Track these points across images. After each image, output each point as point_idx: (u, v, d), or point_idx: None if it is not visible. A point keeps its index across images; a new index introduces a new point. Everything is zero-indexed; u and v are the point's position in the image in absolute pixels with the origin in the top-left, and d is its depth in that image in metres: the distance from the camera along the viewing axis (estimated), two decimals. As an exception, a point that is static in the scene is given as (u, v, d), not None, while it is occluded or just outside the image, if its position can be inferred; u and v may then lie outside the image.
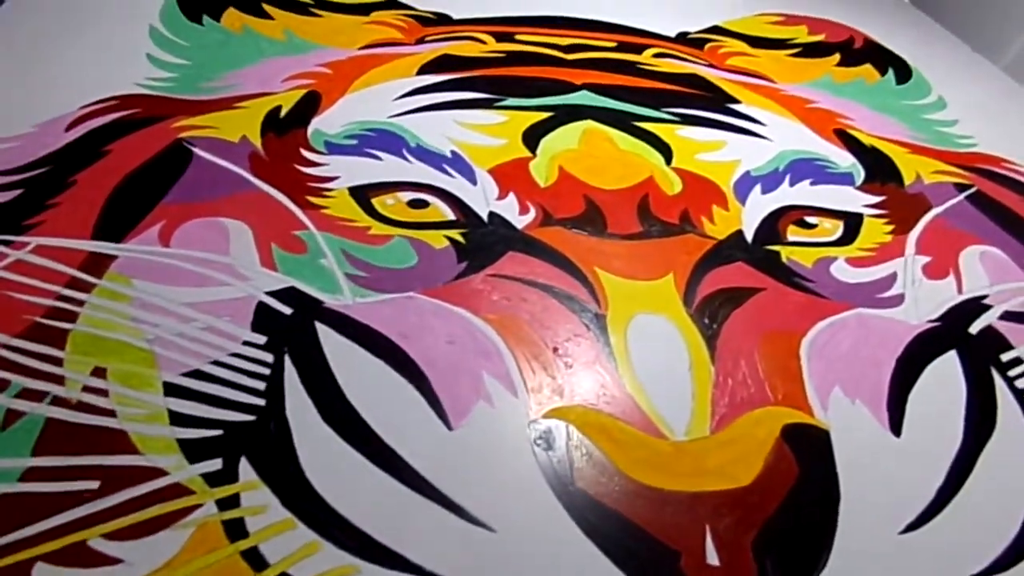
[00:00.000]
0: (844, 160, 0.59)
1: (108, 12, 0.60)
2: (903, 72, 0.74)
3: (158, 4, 0.63)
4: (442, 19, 0.70)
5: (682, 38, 0.74)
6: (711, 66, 0.70)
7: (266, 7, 0.66)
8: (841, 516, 0.34)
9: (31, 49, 0.54)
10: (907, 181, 0.58)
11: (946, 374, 0.41)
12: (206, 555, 0.29)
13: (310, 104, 0.55)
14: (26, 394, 0.33)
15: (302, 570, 0.29)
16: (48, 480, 0.30)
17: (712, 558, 0.31)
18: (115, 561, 0.28)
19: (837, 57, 0.75)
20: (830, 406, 0.38)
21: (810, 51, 0.76)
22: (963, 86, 0.72)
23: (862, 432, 0.37)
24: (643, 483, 0.34)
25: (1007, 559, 0.33)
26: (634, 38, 0.73)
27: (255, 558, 0.29)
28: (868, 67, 0.74)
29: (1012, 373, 0.42)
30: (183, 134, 0.50)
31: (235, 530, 0.30)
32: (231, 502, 0.31)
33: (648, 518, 0.32)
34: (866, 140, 0.62)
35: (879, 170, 0.58)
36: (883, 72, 0.74)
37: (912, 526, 0.34)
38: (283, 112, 0.54)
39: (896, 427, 0.38)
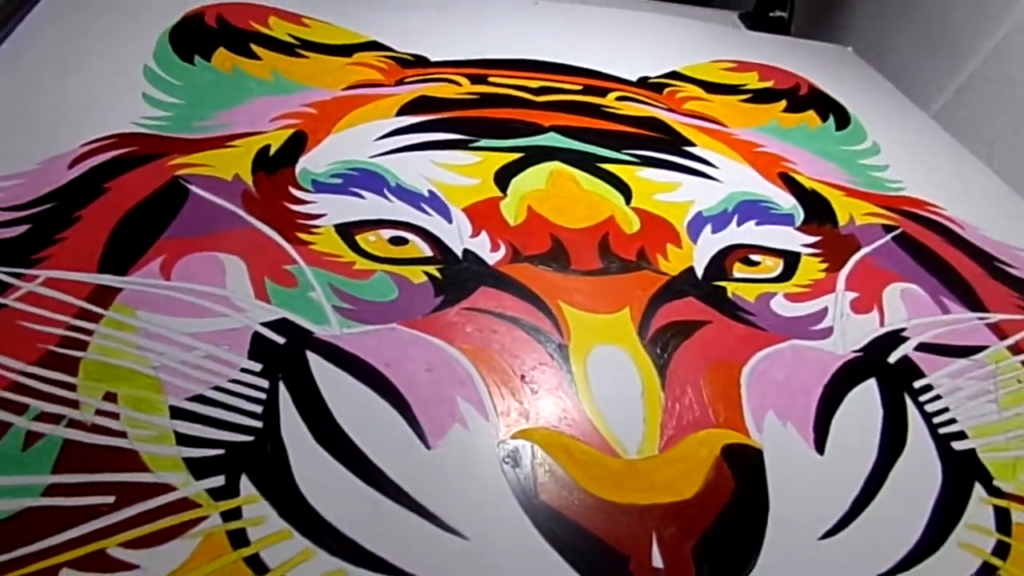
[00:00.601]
0: (786, 202, 0.65)
1: (105, 51, 0.63)
2: (842, 118, 0.81)
3: (152, 44, 0.66)
4: (420, 61, 0.75)
5: (643, 82, 0.80)
6: (669, 110, 0.76)
7: (254, 47, 0.70)
8: (769, 524, 0.38)
9: (32, 89, 0.57)
10: (841, 222, 0.64)
11: (865, 399, 0.47)
12: (212, 561, 0.33)
13: (297, 143, 0.59)
14: (44, 417, 0.36)
15: (298, 574, 0.33)
16: (68, 495, 0.33)
17: (657, 561, 0.36)
18: (133, 567, 0.32)
19: (784, 103, 0.82)
20: (764, 428, 0.44)
21: (760, 97, 0.82)
22: (896, 133, 0.79)
23: (791, 451, 0.43)
24: (599, 496, 0.38)
25: (910, 560, 0.38)
26: (599, 81, 0.78)
27: (256, 564, 0.33)
28: (811, 113, 0.81)
29: (922, 399, 0.47)
30: (179, 172, 0.53)
31: (238, 539, 0.33)
32: (234, 514, 0.34)
33: (603, 528, 0.37)
34: (807, 183, 0.68)
35: (817, 212, 0.64)
36: (824, 118, 0.81)
37: (830, 532, 0.39)
38: (272, 151, 0.58)
39: (820, 446, 0.43)
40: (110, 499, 0.34)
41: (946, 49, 0.99)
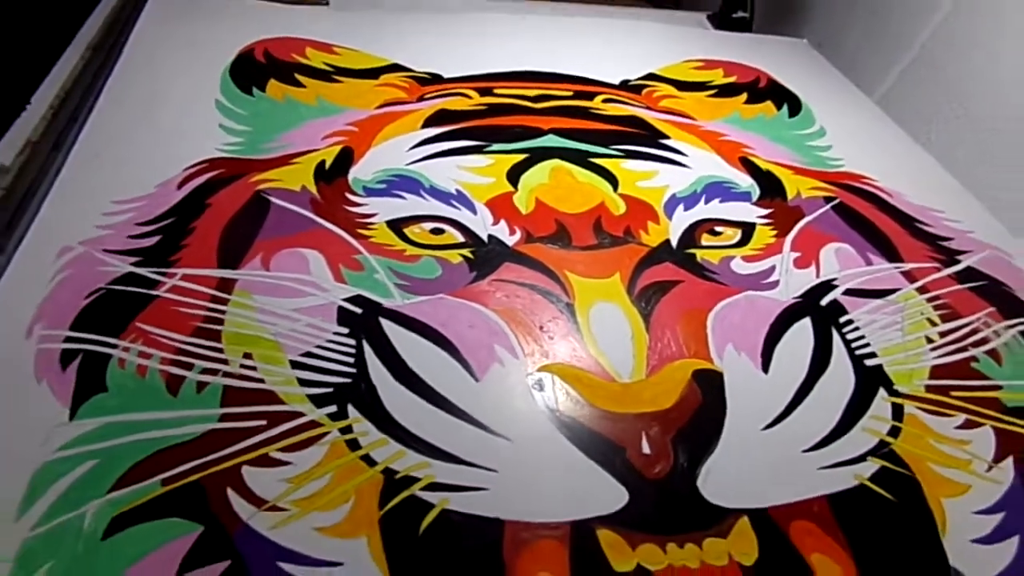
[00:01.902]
0: (745, 182, 0.79)
1: (183, 90, 0.77)
2: (795, 106, 0.95)
3: (218, 81, 0.80)
4: (435, 78, 0.89)
5: (624, 85, 0.94)
6: (647, 108, 0.90)
7: (298, 77, 0.84)
8: (726, 422, 0.53)
9: (135, 127, 0.71)
10: (790, 196, 0.78)
11: (801, 333, 0.61)
12: (339, 459, 0.47)
13: (346, 157, 0.74)
14: (206, 371, 0.51)
15: (396, 465, 0.48)
16: (235, 421, 0.48)
17: (646, 449, 0.50)
18: (288, 463, 0.46)
19: (745, 96, 0.96)
20: (724, 357, 0.58)
21: (724, 91, 0.96)
22: (841, 117, 0.93)
23: (743, 372, 0.57)
24: (603, 409, 0.53)
25: (826, 440, 0.53)
26: (587, 87, 0.92)
27: (368, 460, 0.47)
28: (768, 103, 0.95)
29: (845, 330, 0.62)
30: (259, 187, 0.68)
31: (353, 445, 0.48)
32: (347, 430, 0.49)
33: (607, 429, 0.51)
34: (763, 165, 0.83)
35: (770, 188, 0.79)
36: (779, 107, 0.95)
37: (769, 425, 0.53)
38: (327, 165, 0.72)
39: (765, 368, 0.58)
40: (263, 422, 0.48)
41: (889, 37, 1.13)
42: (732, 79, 0.99)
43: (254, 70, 0.84)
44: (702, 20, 1.16)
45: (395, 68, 0.89)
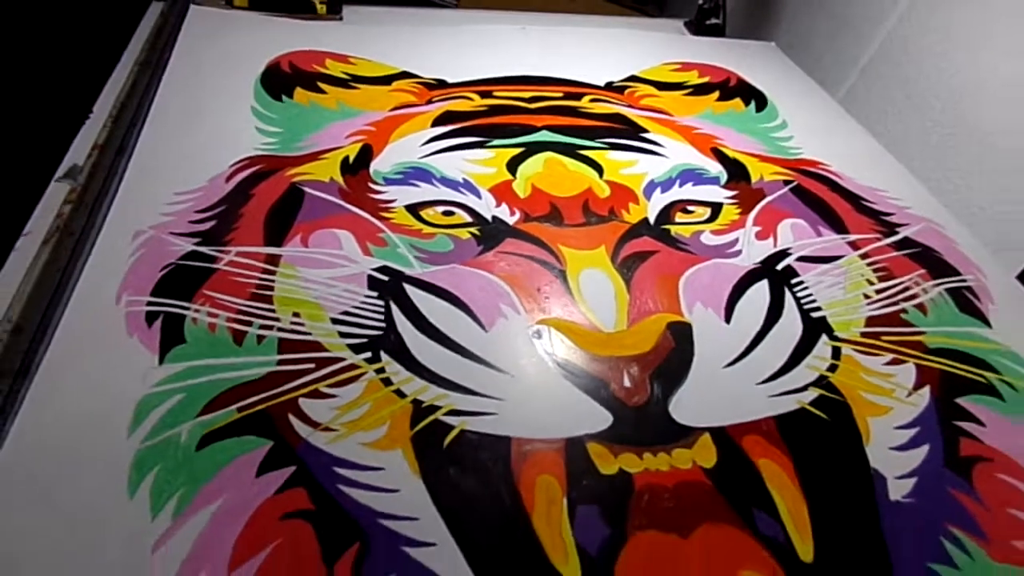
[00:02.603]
0: (715, 168, 0.91)
1: (223, 98, 0.89)
2: (761, 102, 1.07)
3: (251, 90, 0.91)
4: (441, 84, 1.00)
5: (609, 86, 1.06)
6: (629, 106, 1.02)
7: (320, 84, 0.96)
8: (694, 363, 0.64)
9: (185, 131, 0.82)
10: (753, 180, 0.89)
11: (759, 292, 0.72)
12: (375, 392, 0.58)
13: (367, 153, 0.85)
14: (263, 327, 0.62)
15: (422, 397, 0.59)
16: (290, 364, 0.59)
17: (627, 383, 0.62)
18: (334, 396, 0.57)
19: (717, 94, 1.07)
20: (693, 312, 0.69)
21: (698, 90, 1.08)
22: (802, 112, 1.04)
23: (709, 323, 0.68)
24: (591, 352, 0.64)
25: (775, 375, 0.64)
26: (575, 88, 1.04)
27: (400, 393, 0.58)
28: (738, 100, 1.07)
29: (796, 289, 0.73)
30: (294, 179, 0.79)
31: (386, 382, 0.59)
32: (381, 371, 0.60)
33: (594, 368, 0.62)
34: (731, 154, 0.94)
35: (736, 174, 0.90)
36: (747, 104, 1.06)
37: (729, 364, 0.64)
38: (351, 160, 0.83)
39: (728, 319, 0.69)
40: (312, 365, 0.60)
41: (851, 37, 1.25)
42: (706, 79, 1.11)
43: (282, 80, 0.95)
44: (680, 27, 1.28)
45: (405, 75, 1.01)
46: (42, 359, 0.56)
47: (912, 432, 0.61)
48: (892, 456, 0.59)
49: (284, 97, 0.92)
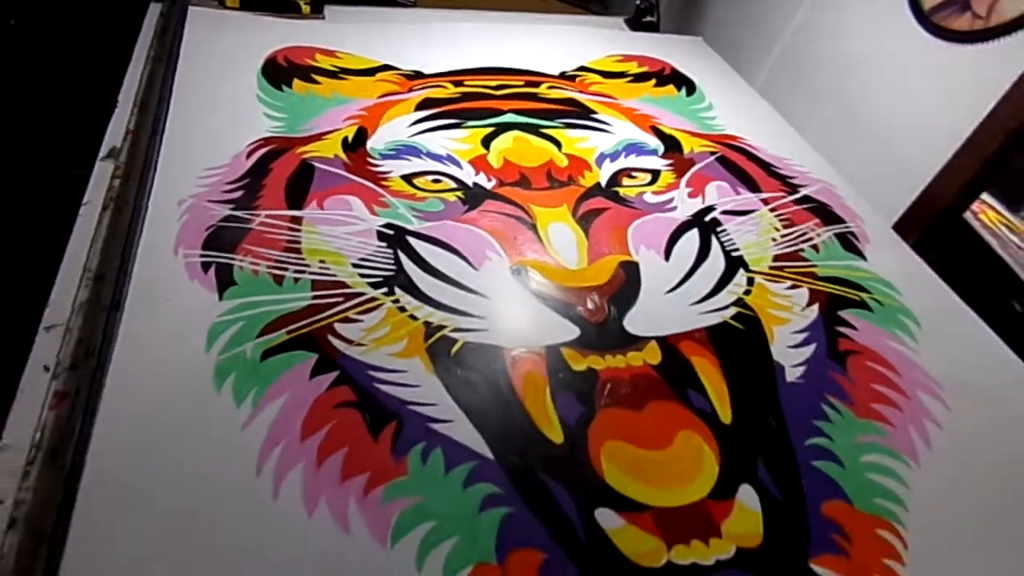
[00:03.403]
0: (654, 142, 1.09)
1: (232, 88, 1.02)
2: (691, 88, 1.25)
3: (255, 81, 1.05)
4: (419, 75, 1.15)
5: (562, 75, 1.23)
6: (580, 92, 1.19)
7: (315, 76, 1.10)
8: (642, 289, 0.82)
9: (207, 116, 0.96)
10: (685, 151, 1.08)
11: (691, 237, 0.90)
12: (394, 317, 0.74)
13: (362, 134, 1.00)
14: (297, 271, 0.77)
15: (431, 320, 0.74)
16: (323, 299, 0.74)
17: (590, 306, 0.79)
18: (360, 320, 0.73)
19: (654, 81, 1.26)
20: (639, 252, 0.86)
21: (638, 78, 1.26)
22: (725, 96, 1.24)
23: (653, 261, 0.86)
24: (560, 284, 0.80)
25: (705, 297, 0.82)
26: (534, 77, 1.20)
27: (412, 317, 0.74)
28: (671, 87, 1.25)
29: (720, 236, 0.92)
30: (304, 156, 0.93)
31: (402, 309, 0.75)
32: (396, 301, 0.75)
33: (563, 295, 0.79)
34: (667, 131, 1.12)
35: (671, 146, 1.08)
36: (679, 89, 1.25)
37: (670, 291, 0.82)
38: (350, 139, 0.98)
39: (667, 257, 0.87)
40: (341, 299, 0.75)
41: (765, 33, 1.45)
42: (644, 69, 1.29)
43: (280, 72, 1.09)
44: (620, 23, 1.46)
45: (387, 68, 1.16)
46: (126, 298, 0.69)
47: (804, 335, 0.80)
48: (789, 352, 0.78)
49: (284, 87, 1.06)
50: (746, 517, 0.62)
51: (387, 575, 0.54)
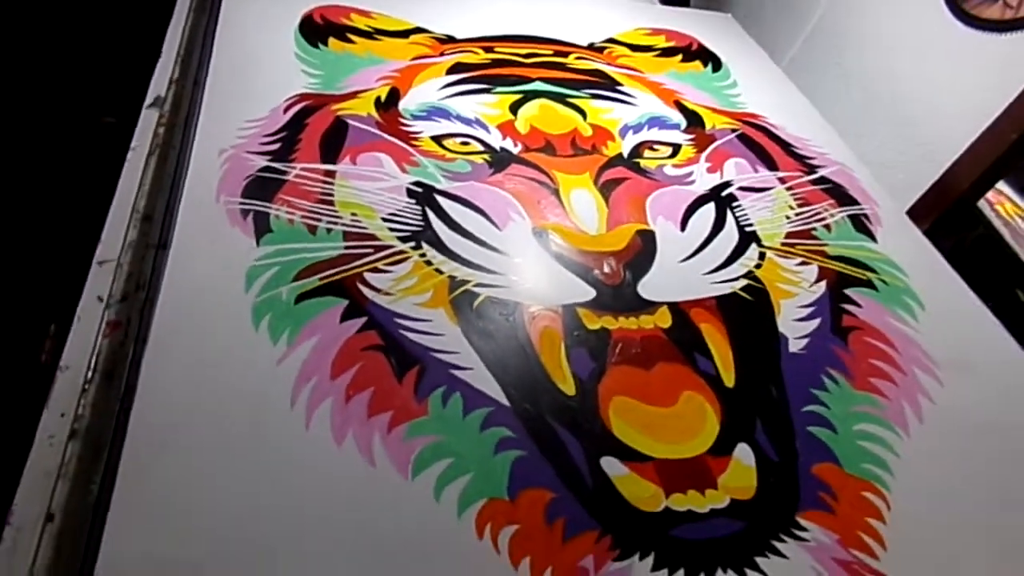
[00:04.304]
0: (677, 116, 1.11)
1: (270, 46, 1.05)
2: (716, 64, 1.27)
3: (292, 39, 1.08)
4: (451, 39, 1.18)
5: (591, 46, 1.25)
6: (608, 64, 1.21)
7: (350, 36, 1.13)
8: (656, 257, 0.85)
9: (249, 74, 0.99)
10: (708, 127, 1.10)
11: (707, 210, 0.93)
12: (421, 270, 0.78)
13: (395, 94, 1.03)
14: (330, 222, 0.81)
15: (455, 274, 0.78)
16: (354, 249, 0.78)
17: (607, 269, 0.82)
18: (390, 271, 0.77)
19: (680, 56, 1.28)
20: (656, 223, 0.90)
21: (665, 53, 1.28)
22: (750, 75, 1.25)
23: (669, 231, 0.89)
24: (579, 248, 0.84)
25: (719, 267, 0.86)
26: (563, 47, 1.23)
27: (438, 271, 0.78)
28: (697, 63, 1.27)
29: (735, 210, 0.95)
30: (338, 113, 0.97)
31: (428, 263, 0.79)
32: (423, 255, 0.80)
33: (582, 258, 0.83)
34: (690, 106, 1.15)
35: (693, 121, 1.11)
36: (705, 65, 1.27)
37: (684, 259, 0.86)
38: (382, 99, 1.01)
39: (683, 228, 0.90)
40: (371, 250, 0.79)
41: (796, 14, 1.46)
42: (672, 43, 1.31)
43: (316, 30, 1.12)
44: (652, -4, 1.47)
45: (419, 31, 1.18)
46: (172, 238, 0.74)
47: (810, 310, 0.84)
48: (794, 324, 0.82)
49: (320, 45, 1.09)
50: (741, 472, 0.66)
51: (407, 503, 0.59)
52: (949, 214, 1.06)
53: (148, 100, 0.91)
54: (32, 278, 1.49)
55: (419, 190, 0.87)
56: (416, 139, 0.95)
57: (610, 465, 0.65)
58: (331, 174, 0.87)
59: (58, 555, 0.50)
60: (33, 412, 0.59)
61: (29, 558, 0.49)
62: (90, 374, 0.60)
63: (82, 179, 1.59)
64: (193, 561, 0.52)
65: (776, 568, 0.59)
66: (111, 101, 1.78)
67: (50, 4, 1.77)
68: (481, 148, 0.96)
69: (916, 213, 1.09)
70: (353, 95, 1.01)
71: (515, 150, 0.97)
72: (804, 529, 0.63)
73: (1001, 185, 1.31)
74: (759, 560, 0.60)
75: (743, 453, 0.68)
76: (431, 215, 0.84)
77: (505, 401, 0.67)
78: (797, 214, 0.97)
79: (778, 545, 0.61)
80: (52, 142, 1.71)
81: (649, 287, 0.81)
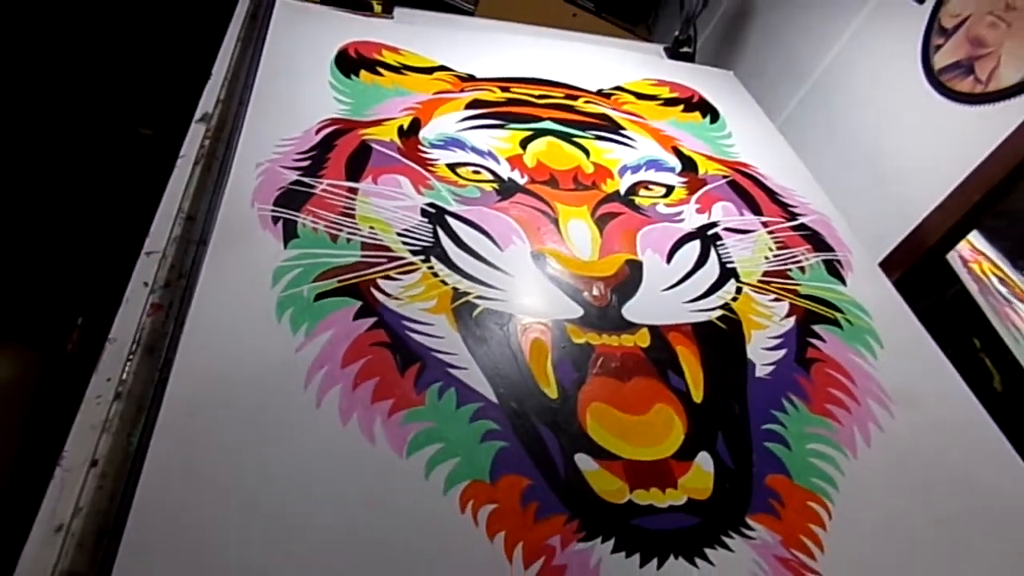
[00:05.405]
0: (673, 161, 1.21)
1: (306, 75, 1.16)
2: (715, 117, 1.38)
3: (327, 69, 1.19)
4: (471, 78, 1.29)
5: (599, 92, 1.36)
6: (614, 109, 1.32)
7: (380, 69, 1.24)
8: (642, 285, 0.94)
9: (287, 98, 1.10)
10: (700, 172, 1.20)
11: (692, 247, 1.02)
12: (428, 280, 0.87)
13: (416, 124, 1.14)
14: (350, 233, 0.90)
15: (458, 286, 0.88)
16: (370, 257, 0.88)
17: (595, 292, 0.91)
18: (400, 280, 0.86)
19: (682, 106, 1.38)
20: (645, 254, 0.99)
21: (668, 103, 1.38)
22: (745, 127, 1.36)
23: (655, 262, 0.98)
24: (572, 271, 0.93)
25: (698, 299, 0.94)
26: (574, 91, 1.33)
27: (443, 282, 0.87)
28: (697, 113, 1.37)
29: (719, 248, 1.04)
30: (364, 137, 1.07)
31: (435, 275, 0.88)
32: (431, 268, 0.89)
33: (573, 280, 0.92)
34: (686, 152, 1.25)
35: (688, 166, 1.21)
36: (704, 116, 1.37)
37: (667, 289, 0.94)
38: (404, 128, 1.12)
39: (669, 261, 0.99)
40: (386, 259, 0.88)
41: (793, 75, 1.57)
42: (675, 95, 1.42)
43: (350, 62, 1.23)
44: (659, 51, 1.59)
45: (443, 68, 1.29)
46: (210, 235, 0.84)
47: (778, 341, 0.92)
48: (762, 352, 0.90)
49: (352, 76, 1.20)
50: (700, 476, 0.74)
51: (400, 477, 0.67)
52: (921, 267, 1.14)
53: (197, 116, 1.02)
54: (62, 274, 1.59)
55: (432, 211, 0.97)
56: (432, 165, 1.06)
57: (583, 461, 0.73)
58: (354, 191, 0.97)
59: (100, 493, 0.58)
60: (60, 402, 0.68)
61: (75, 494, 0.58)
62: (134, 347, 0.69)
63: (118, 186, 1.72)
64: (212, 502, 0.60)
65: (722, 559, 0.67)
66: (149, 114, 1.92)
67: (99, 24, 1.91)
68: (491, 177, 1.06)
69: (889, 263, 1.17)
70: (378, 122, 1.11)
71: (522, 181, 1.07)
72: (752, 529, 0.70)
73: (982, 246, 1.40)
74: (708, 551, 0.67)
75: (704, 460, 0.75)
76: (441, 233, 0.94)
77: (494, 399, 0.76)
78: (775, 255, 1.06)
79: (727, 540, 0.69)
80: (91, 151, 1.83)
81: (632, 310, 0.90)
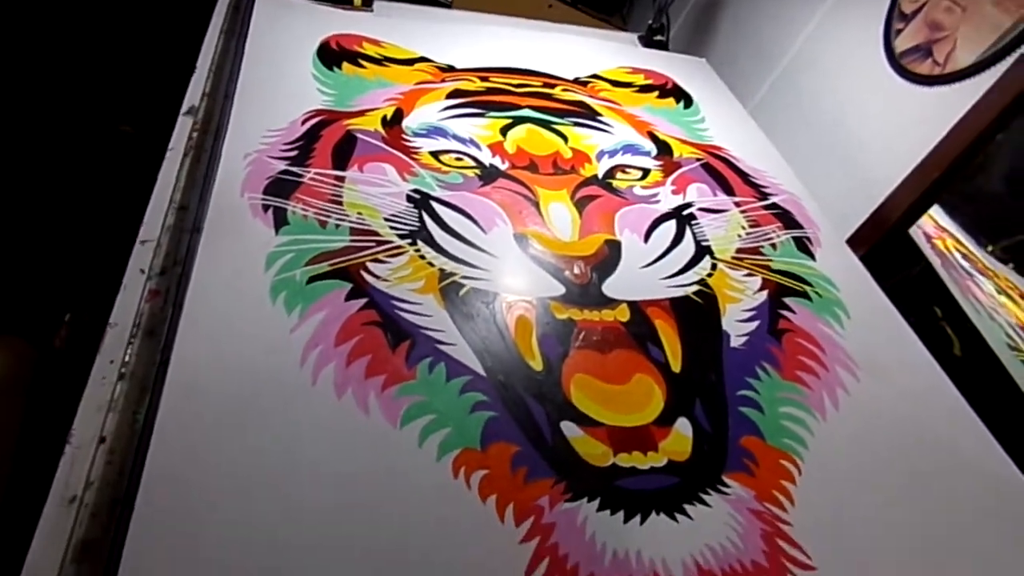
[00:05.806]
0: (649, 145, 1.25)
1: (289, 66, 1.19)
2: (688, 102, 1.42)
3: (310, 61, 1.22)
4: (451, 68, 1.32)
5: (576, 80, 1.39)
6: (590, 96, 1.36)
7: (362, 61, 1.27)
8: (620, 262, 0.98)
9: (271, 90, 1.13)
10: (675, 155, 1.25)
11: (668, 226, 1.07)
12: (416, 262, 0.90)
13: (399, 114, 1.17)
14: (339, 219, 0.93)
15: (445, 267, 0.91)
16: (359, 242, 0.91)
17: (576, 271, 0.95)
18: (389, 262, 0.90)
19: (656, 93, 1.42)
20: (623, 234, 1.03)
21: (643, 89, 1.42)
22: (719, 113, 1.40)
23: (633, 242, 1.02)
24: (553, 251, 0.97)
25: (675, 275, 0.99)
26: (551, 80, 1.37)
27: (430, 264, 0.90)
28: (671, 100, 1.42)
29: (694, 228, 1.08)
30: (348, 128, 1.10)
31: (423, 257, 0.91)
32: (419, 250, 0.92)
33: (555, 260, 0.96)
34: (661, 136, 1.29)
35: (663, 150, 1.25)
36: (678, 102, 1.41)
37: (645, 266, 0.99)
38: (388, 118, 1.15)
39: (646, 240, 1.03)
40: (374, 243, 0.91)
41: (764, 61, 1.61)
42: (649, 82, 1.46)
43: (332, 54, 1.26)
44: (634, 39, 1.63)
45: (424, 60, 1.32)
46: (203, 224, 0.86)
47: (751, 313, 0.97)
48: (737, 324, 0.95)
49: (335, 68, 1.23)
50: (679, 440, 0.78)
51: (395, 447, 0.71)
52: (885, 243, 1.20)
53: (184, 108, 1.04)
54: (48, 271, 1.60)
55: (417, 196, 1.00)
56: (416, 153, 1.09)
57: (568, 428, 0.77)
58: (341, 179, 1.00)
59: (110, 468, 0.61)
60: (50, 396, 0.70)
61: (86, 468, 0.61)
62: (135, 331, 0.72)
63: (99, 182, 1.72)
64: (217, 474, 0.63)
65: (700, 513, 0.71)
66: (129, 110, 1.92)
67: (79, 22, 1.91)
68: (473, 163, 1.09)
69: (856, 239, 1.23)
70: (362, 113, 1.14)
71: (503, 167, 1.10)
72: (728, 486, 0.75)
73: (946, 223, 1.46)
74: (687, 507, 0.72)
75: (682, 425, 0.80)
76: (426, 217, 0.97)
77: (482, 372, 0.80)
78: (748, 233, 1.11)
79: (704, 496, 0.73)
80: (72, 148, 1.83)
81: (612, 287, 0.94)
